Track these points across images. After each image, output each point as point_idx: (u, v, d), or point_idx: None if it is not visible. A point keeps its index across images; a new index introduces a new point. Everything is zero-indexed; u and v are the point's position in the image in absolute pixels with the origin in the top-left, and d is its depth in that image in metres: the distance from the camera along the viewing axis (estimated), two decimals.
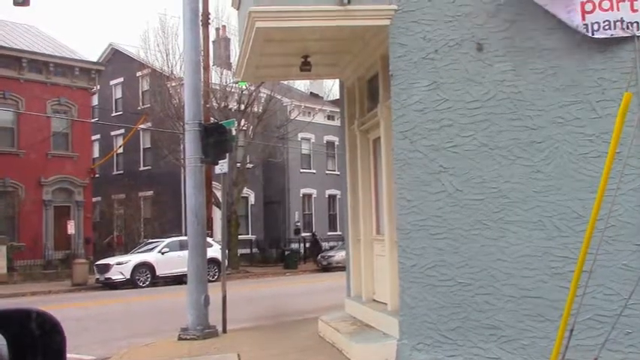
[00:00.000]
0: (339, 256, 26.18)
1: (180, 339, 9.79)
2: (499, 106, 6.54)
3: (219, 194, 23.27)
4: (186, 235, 11.17)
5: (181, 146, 26.03)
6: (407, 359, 6.60)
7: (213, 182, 24.56)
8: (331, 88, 39.38)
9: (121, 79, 36.18)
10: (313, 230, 35.81)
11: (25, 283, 24.12)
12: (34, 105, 27.65)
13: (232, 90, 29.44)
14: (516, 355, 6.27)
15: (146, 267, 23.59)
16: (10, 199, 27.11)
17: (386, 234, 8.10)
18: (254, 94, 29.67)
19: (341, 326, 8.66)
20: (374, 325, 8.17)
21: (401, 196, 6.78)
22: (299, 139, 36.41)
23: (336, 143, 34.46)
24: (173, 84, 28.81)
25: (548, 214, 6.33)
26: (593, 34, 6.21)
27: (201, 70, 13.34)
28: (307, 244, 34.52)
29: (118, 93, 36.89)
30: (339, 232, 32.83)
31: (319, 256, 30.91)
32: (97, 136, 35.09)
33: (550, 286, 6.25)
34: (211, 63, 27.14)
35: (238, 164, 29.48)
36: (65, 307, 16.34)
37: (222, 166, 11.15)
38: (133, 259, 23.83)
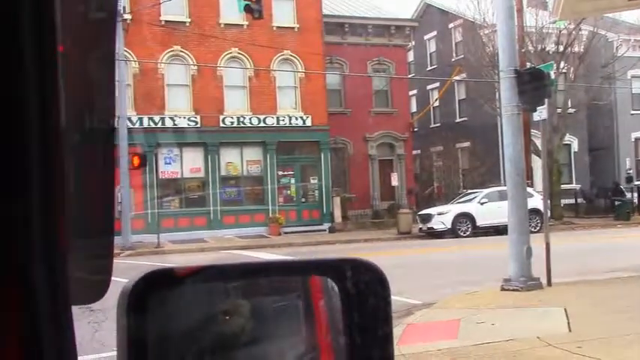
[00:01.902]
0: None
1: (502, 289, 9.76)
2: None
3: (538, 142, 22.30)
4: (504, 185, 10.99)
5: (497, 95, 25.50)
6: None
7: (531, 130, 23.61)
8: None
9: (434, 33, 36.69)
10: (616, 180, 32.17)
11: (357, 230, 26.47)
12: (356, 66, 29.72)
13: (549, 31, 27.68)
14: None
15: (466, 217, 23.94)
16: (341, 155, 29.81)
17: None
18: (574, 32, 27.47)
19: None
20: None
21: None
22: (629, 78, 32.71)
23: None
24: (486, 31, 28.23)
25: None
26: None
27: (515, 14, 12.75)
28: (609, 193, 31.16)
29: (431, 47, 37.54)
30: None
31: None
32: (414, 91, 36.30)
33: None
34: (525, 5, 25.83)
35: (558, 109, 27.79)
36: (392, 254, 17.53)
37: (540, 113, 10.66)
38: (453, 209, 24.36)
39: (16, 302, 0.58)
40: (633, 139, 34.33)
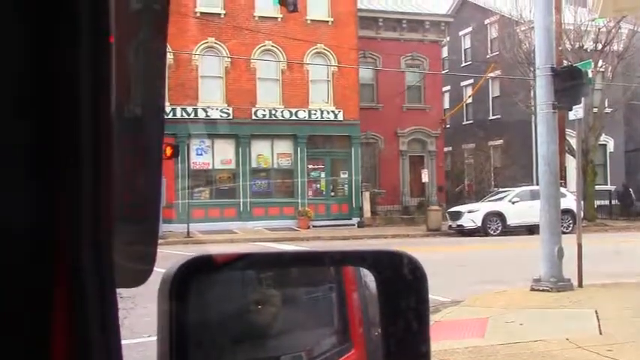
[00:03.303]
0: None
1: (532, 289, 9.66)
2: None
3: (573, 142, 21.93)
4: (537, 184, 10.86)
5: (532, 93, 25.14)
6: None
7: (566, 129, 23.24)
8: None
9: (470, 29, 36.30)
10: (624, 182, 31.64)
11: (386, 226, 26.37)
12: (389, 62, 29.56)
13: (587, 29, 27.18)
14: None
15: (496, 216, 23.70)
16: (372, 150, 29.72)
17: None
18: (613, 30, 26.93)
19: None
20: None
21: None
22: None
23: None
24: (522, 28, 27.84)
25: None
26: None
27: (553, 10, 12.56)
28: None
29: (466, 43, 37.16)
30: None
31: None
32: (447, 88, 35.98)
33: None
34: (563, 1, 25.41)
35: (595, 109, 27.29)
36: (421, 251, 17.42)
37: (576, 112, 10.47)
38: (484, 207, 24.13)
39: (65, 280, 0.60)
40: None
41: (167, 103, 24.34)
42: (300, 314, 1.34)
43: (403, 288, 0.95)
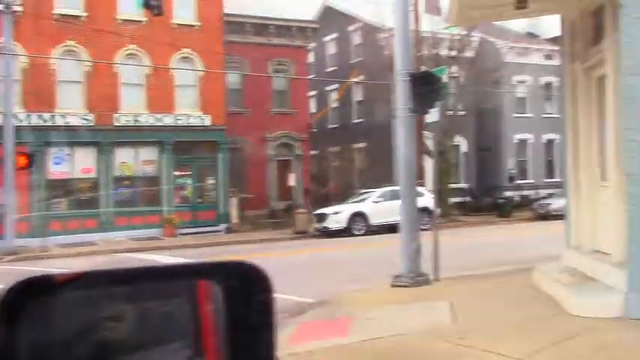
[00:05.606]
0: (557, 204, 24.75)
1: (392, 286, 10.07)
2: None
3: (430, 143, 23.14)
4: (398, 184, 11.34)
5: (393, 97, 26.21)
6: (637, 313, 6.17)
7: (423, 131, 24.44)
8: (550, 25, 36.68)
9: (334, 35, 37.19)
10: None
11: (254, 231, 26.35)
12: (256, 66, 29.60)
13: (443, 37, 28.81)
14: None
15: (360, 216, 24.44)
16: (240, 155, 29.59)
17: (611, 180, 7.50)
18: (465, 38, 28.71)
19: (559, 277, 8.30)
20: (595, 277, 7.70)
21: (630, 139, 6.22)
22: (514, 83, 34.66)
23: (555, 84, 32.22)
24: (384, 35, 28.94)
25: None
26: None
27: (411, 19, 13.18)
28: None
29: (331, 49, 38.04)
30: (557, 179, 30.97)
31: (535, 204, 29.89)
32: (314, 92, 36.65)
33: None
34: (422, 10, 26.74)
35: (450, 112, 28.96)
36: (287, 254, 17.62)
37: (432, 115, 11.06)
38: (348, 208, 24.80)
39: None
40: (516, 140, 36.36)
41: (21, 110, 22.81)
42: (154, 328, 1.33)
43: (248, 297, 0.98)
